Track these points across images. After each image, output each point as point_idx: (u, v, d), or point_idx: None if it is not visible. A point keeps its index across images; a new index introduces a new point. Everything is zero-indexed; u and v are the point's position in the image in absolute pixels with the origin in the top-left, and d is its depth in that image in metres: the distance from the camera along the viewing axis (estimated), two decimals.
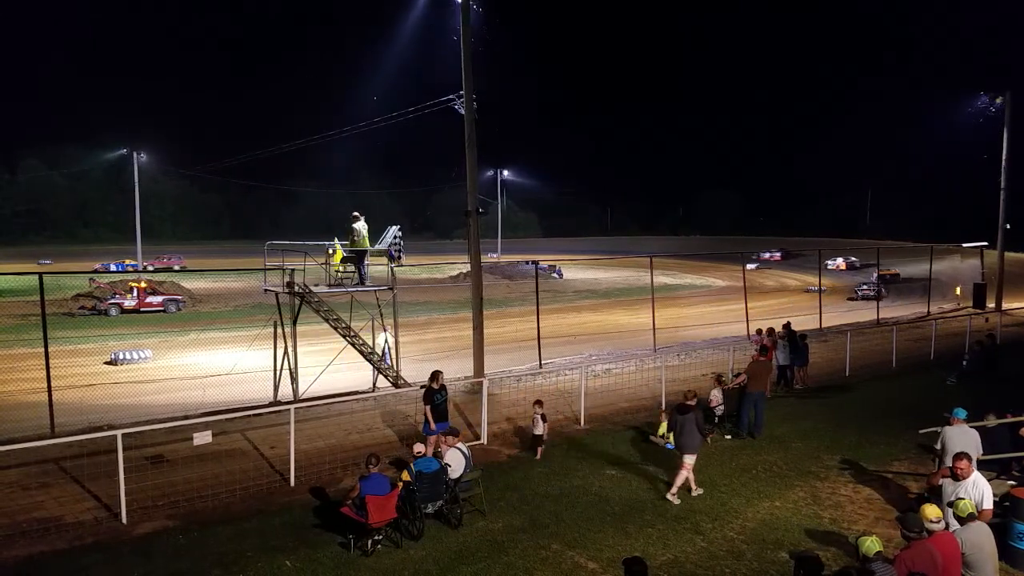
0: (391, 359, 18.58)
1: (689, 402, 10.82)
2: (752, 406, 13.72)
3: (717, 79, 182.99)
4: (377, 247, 18.56)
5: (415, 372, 18.54)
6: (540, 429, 12.86)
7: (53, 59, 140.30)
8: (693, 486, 10.72)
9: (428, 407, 12.08)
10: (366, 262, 18.15)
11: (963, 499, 7.56)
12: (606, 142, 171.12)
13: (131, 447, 11.39)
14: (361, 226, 17.85)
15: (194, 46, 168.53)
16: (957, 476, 8.15)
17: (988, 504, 8.03)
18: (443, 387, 12.40)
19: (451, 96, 17.43)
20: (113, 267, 56.54)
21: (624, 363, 20.43)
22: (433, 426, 12.00)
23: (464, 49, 17.16)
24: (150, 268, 59.26)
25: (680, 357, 21.41)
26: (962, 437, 9.64)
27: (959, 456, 8.31)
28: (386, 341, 18.98)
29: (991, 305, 33.77)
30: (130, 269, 56.80)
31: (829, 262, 63.49)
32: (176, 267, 60.51)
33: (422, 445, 10.37)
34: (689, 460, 10.55)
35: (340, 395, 15.63)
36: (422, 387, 12.64)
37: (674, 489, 10.54)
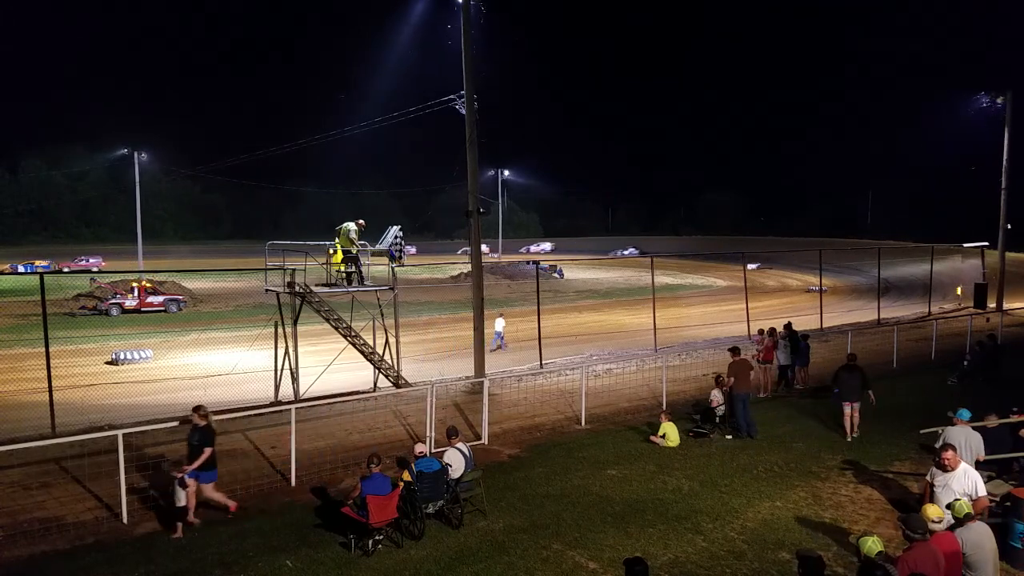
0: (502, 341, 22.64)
1: (851, 362, 13.75)
2: (741, 406, 13.80)
3: (719, 79, 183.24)
4: (378, 247, 18.56)
5: (416, 372, 18.60)
6: (183, 499, 9.34)
7: (55, 59, 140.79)
8: (849, 430, 13.38)
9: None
10: (362, 262, 18.10)
11: (959, 500, 7.60)
12: (608, 142, 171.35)
13: (132, 447, 11.40)
14: (350, 225, 17.65)
15: (196, 46, 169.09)
16: (944, 467, 8.33)
17: (981, 492, 8.23)
18: (207, 428, 9.72)
19: (452, 96, 17.44)
20: (21, 268, 52.04)
21: (625, 363, 20.44)
22: (186, 469, 9.45)
23: (464, 50, 17.17)
24: (64, 270, 51.02)
25: (681, 357, 21.39)
26: (965, 438, 9.64)
27: (944, 448, 8.55)
28: (503, 327, 22.70)
29: (992, 305, 33.73)
30: (39, 271, 49.66)
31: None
32: (94, 269, 54.34)
33: (423, 445, 10.36)
34: (847, 409, 13.31)
35: (341, 395, 15.65)
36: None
37: (849, 434, 13.38)
